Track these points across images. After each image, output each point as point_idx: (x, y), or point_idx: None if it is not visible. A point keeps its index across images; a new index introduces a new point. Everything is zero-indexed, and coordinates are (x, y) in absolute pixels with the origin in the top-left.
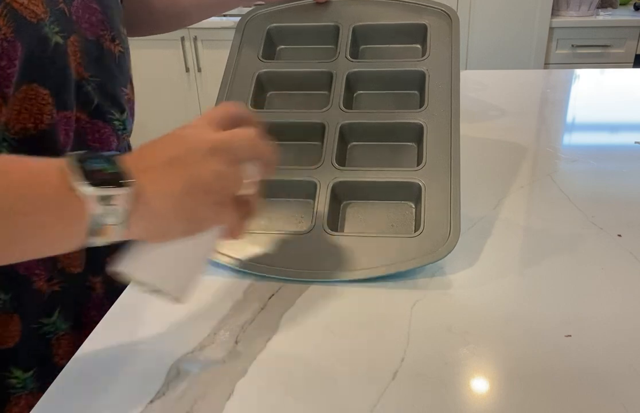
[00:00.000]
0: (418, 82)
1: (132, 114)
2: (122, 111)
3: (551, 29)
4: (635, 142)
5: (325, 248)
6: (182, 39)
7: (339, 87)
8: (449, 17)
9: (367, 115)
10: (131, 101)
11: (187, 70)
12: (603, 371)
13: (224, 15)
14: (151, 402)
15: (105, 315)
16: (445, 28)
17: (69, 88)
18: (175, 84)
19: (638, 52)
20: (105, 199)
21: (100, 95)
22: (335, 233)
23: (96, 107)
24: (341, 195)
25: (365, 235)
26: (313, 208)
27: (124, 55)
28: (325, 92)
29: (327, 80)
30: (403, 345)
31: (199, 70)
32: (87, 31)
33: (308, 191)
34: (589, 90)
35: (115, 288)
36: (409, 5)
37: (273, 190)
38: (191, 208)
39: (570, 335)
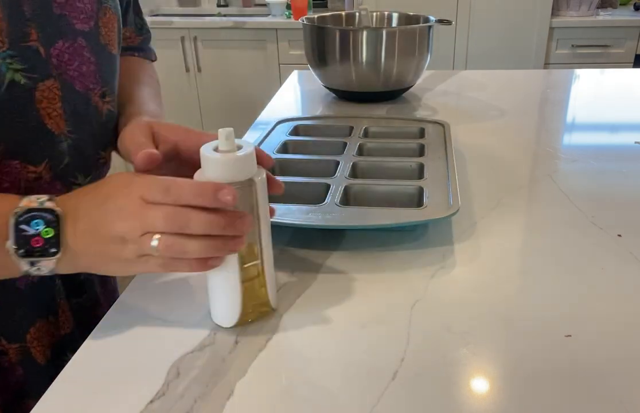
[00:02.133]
0: (417, 151)
1: (101, 177)
2: (87, 175)
3: (551, 29)
4: (635, 142)
5: (337, 211)
6: (182, 39)
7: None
8: (442, 126)
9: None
10: (107, 165)
11: (187, 70)
12: (603, 371)
13: (224, 15)
14: (151, 402)
15: (105, 315)
16: (440, 129)
17: (31, 138)
18: (175, 84)
19: (638, 52)
20: (33, 264)
21: (72, 154)
22: (347, 206)
23: (64, 168)
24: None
25: (375, 207)
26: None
27: (113, 114)
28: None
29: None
30: (403, 345)
31: (199, 70)
32: (75, 80)
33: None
34: (589, 90)
35: (32, 359)
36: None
37: None
38: (105, 263)
39: (570, 335)
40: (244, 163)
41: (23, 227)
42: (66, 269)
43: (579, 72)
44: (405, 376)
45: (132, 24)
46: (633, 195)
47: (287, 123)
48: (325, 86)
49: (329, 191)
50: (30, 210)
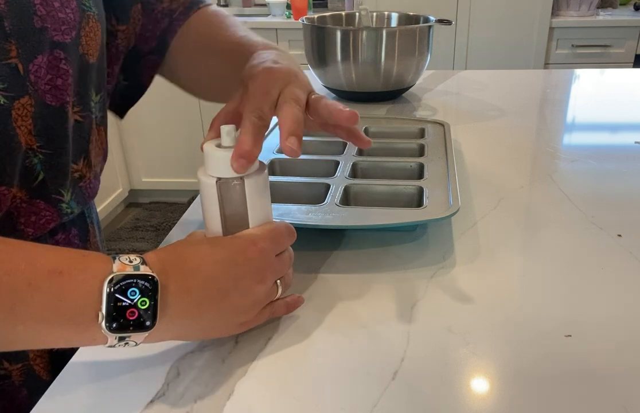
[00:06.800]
0: (417, 151)
1: (86, 194)
2: (68, 190)
3: (551, 29)
4: (635, 142)
5: (337, 211)
6: None
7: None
8: (442, 126)
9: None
10: (86, 179)
11: None
12: (603, 371)
13: None
14: (151, 402)
15: None
16: (440, 129)
17: (8, 160)
18: None
19: (638, 52)
20: (123, 338)
21: (48, 170)
22: (347, 206)
23: (40, 184)
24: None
25: (375, 207)
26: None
27: (81, 125)
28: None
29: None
30: (403, 345)
31: None
32: (46, 95)
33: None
34: (589, 90)
35: (36, 376)
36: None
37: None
38: (216, 331)
39: (570, 335)
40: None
41: (119, 296)
42: (151, 341)
43: (579, 72)
44: (405, 376)
45: None
46: (633, 195)
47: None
48: (325, 86)
49: (329, 191)
50: (127, 277)
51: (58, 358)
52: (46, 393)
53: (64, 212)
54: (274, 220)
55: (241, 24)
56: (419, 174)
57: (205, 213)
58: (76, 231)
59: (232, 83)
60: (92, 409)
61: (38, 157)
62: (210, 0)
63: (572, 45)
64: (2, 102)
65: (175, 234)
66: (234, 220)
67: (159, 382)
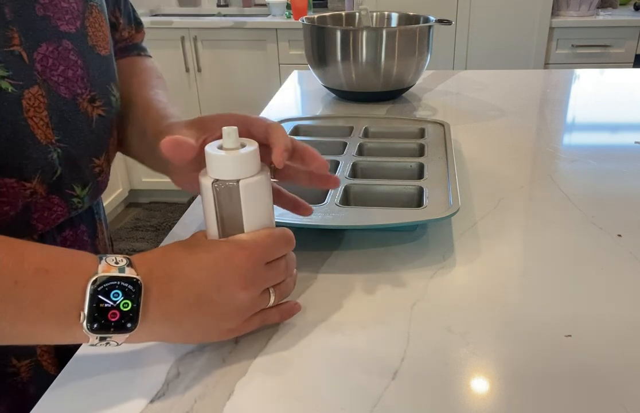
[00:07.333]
0: (417, 151)
1: (100, 188)
2: (85, 186)
3: (551, 29)
4: (635, 142)
5: (337, 211)
6: (182, 39)
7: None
8: (442, 126)
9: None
10: (104, 173)
11: (187, 70)
12: (603, 371)
13: (224, 15)
14: (151, 402)
15: None
16: (440, 129)
17: (20, 151)
18: (175, 84)
19: (638, 52)
20: (104, 339)
21: (65, 165)
22: (347, 206)
23: (57, 179)
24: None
25: (375, 207)
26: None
27: (105, 119)
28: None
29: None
30: (403, 345)
31: (199, 70)
32: (60, 86)
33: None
34: (589, 90)
35: (44, 372)
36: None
37: None
38: (199, 336)
39: (570, 335)
40: (249, 159)
41: (101, 298)
42: (133, 342)
43: (579, 72)
44: (405, 376)
45: (132, 21)
46: (633, 195)
47: (287, 123)
48: (325, 86)
49: (329, 191)
50: (111, 278)
51: (65, 354)
52: (45, 393)
53: (75, 206)
54: (274, 224)
55: (165, 89)
56: (419, 174)
57: (204, 215)
58: (85, 227)
59: (131, 135)
60: (92, 409)
61: (57, 151)
62: (152, 54)
63: (572, 45)
64: (9, 90)
65: (175, 234)
66: (230, 223)
67: (159, 382)
